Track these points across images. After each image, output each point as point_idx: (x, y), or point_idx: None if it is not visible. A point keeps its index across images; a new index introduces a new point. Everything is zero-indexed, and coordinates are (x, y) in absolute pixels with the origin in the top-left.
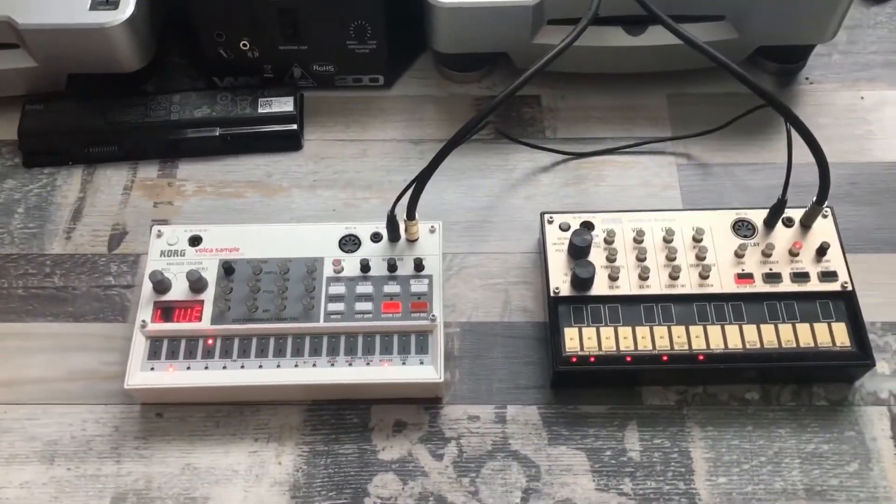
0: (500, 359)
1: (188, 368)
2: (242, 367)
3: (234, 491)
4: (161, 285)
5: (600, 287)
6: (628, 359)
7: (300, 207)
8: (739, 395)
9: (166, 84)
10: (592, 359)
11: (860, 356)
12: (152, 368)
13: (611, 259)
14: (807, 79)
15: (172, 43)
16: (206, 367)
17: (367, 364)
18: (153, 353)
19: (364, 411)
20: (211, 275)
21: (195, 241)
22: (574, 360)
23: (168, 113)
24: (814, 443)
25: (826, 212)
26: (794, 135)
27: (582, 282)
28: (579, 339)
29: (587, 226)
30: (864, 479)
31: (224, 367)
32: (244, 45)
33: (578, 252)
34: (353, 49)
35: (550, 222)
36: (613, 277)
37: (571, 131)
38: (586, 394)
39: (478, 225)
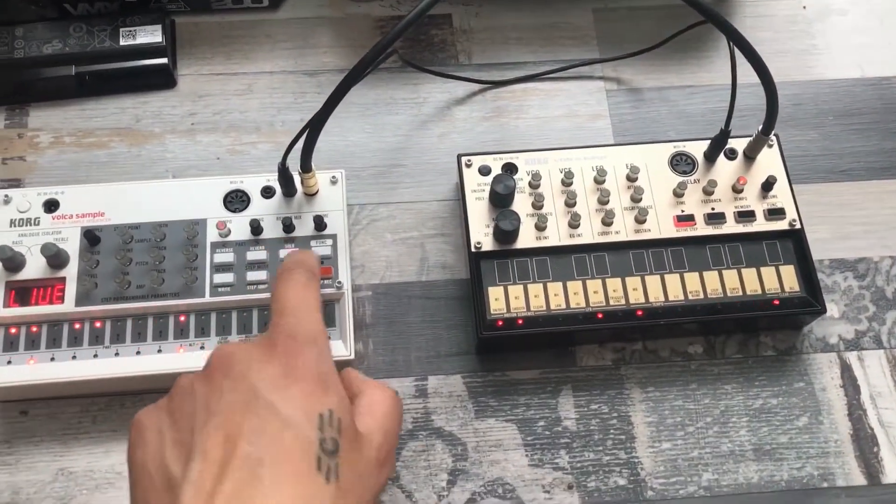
0: (419, 324)
1: (52, 360)
2: (117, 354)
3: (117, 496)
4: (12, 262)
5: (526, 239)
6: (559, 319)
7: (177, 157)
8: (681, 349)
9: (6, 14)
10: (520, 321)
11: (811, 302)
12: (9, 362)
13: (537, 206)
14: None
15: None
16: (74, 357)
17: None
18: (9, 344)
19: None
20: (72, 246)
21: (51, 206)
22: (500, 323)
23: (10, 50)
24: (762, 398)
25: (772, 141)
26: (738, 55)
27: (506, 234)
28: (505, 300)
29: (509, 168)
30: (814, 433)
31: (95, 356)
32: None
33: (501, 200)
34: None
35: (469, 165)
36: (541, 227)
37: (488, 56)
38: (515, 358)
39: (387, 170)
